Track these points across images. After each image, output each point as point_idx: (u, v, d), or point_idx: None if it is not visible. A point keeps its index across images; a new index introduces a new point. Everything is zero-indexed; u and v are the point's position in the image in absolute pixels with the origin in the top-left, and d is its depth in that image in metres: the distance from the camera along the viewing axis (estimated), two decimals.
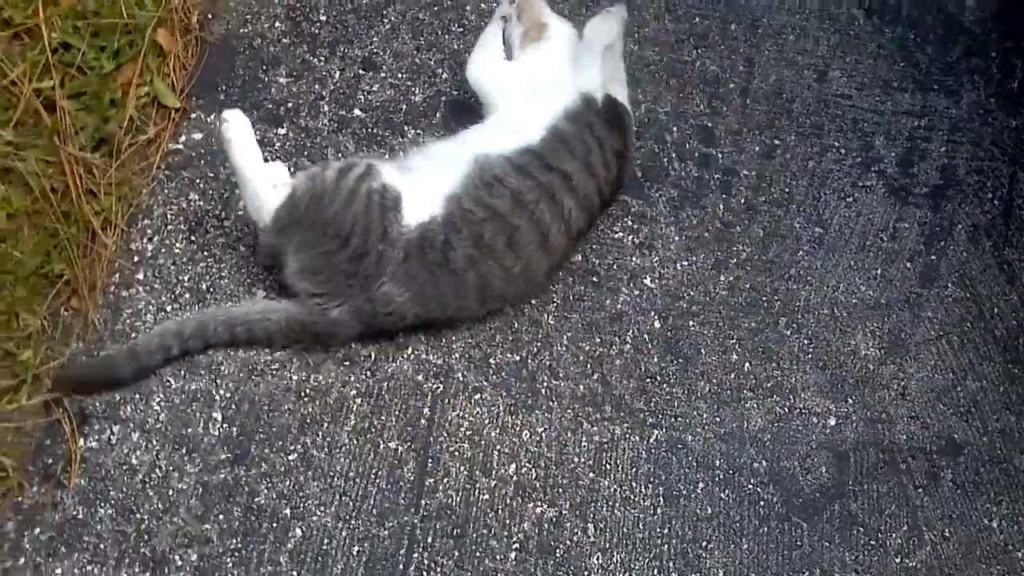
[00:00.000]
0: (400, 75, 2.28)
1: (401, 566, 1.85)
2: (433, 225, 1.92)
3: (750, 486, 2.00)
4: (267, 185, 1.93)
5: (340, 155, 2.18)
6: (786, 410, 2.07)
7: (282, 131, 2.21)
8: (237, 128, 1.95)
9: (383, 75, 2.28)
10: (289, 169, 2.06)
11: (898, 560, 1.95)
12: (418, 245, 1.91)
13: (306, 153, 2.18)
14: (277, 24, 2.31)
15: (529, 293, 2.08)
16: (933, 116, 2.41)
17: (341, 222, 1.90)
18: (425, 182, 1.95)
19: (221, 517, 1.87)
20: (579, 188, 2.00)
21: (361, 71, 2.28)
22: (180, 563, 1.83)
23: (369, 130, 2.22)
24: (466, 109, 2.23)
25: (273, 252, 1.97)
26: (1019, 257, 2.26)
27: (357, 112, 2.24)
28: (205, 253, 2.08)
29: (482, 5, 2.36)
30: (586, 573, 1.89)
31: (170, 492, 1.88)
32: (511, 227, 1.95)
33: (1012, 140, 2.39)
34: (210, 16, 2.29)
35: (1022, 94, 2.46)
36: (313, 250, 1.92)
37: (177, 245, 2.09)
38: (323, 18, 2.32)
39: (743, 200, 2.25)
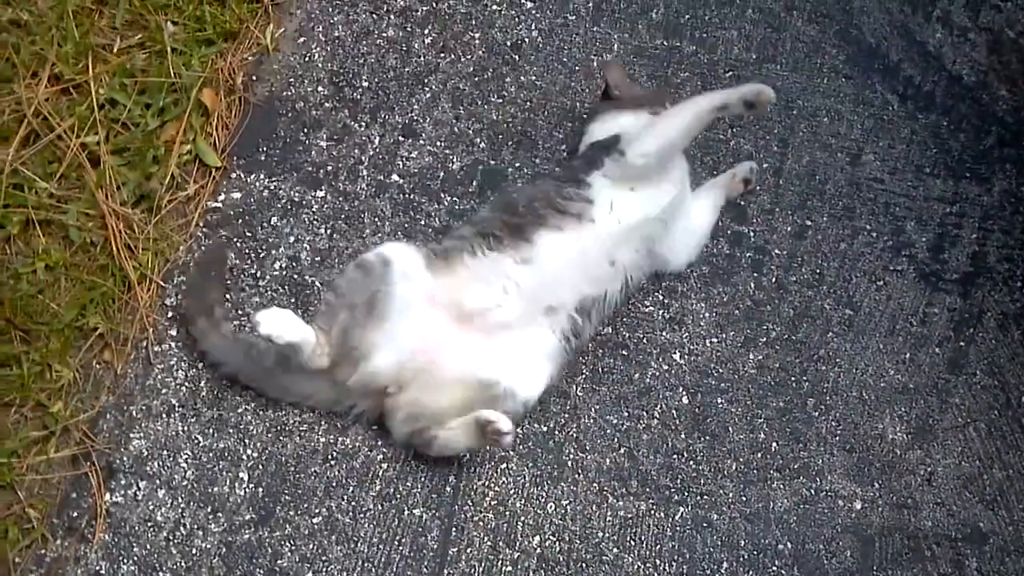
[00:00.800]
0: (439, 143, 2.31)
1: None
2: None
3: (774, 568, 1.99)
4: None
5: (377, 221, 2.20)
6: (812, 492, 2.06)
7: (320, 194, 2.23)
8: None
9: (422, 142, 2.31)
10: (328, 234, 2.09)
11: None
12: None
13: (343, 216, 2.20)
14: (320, 88, 2.35)
15: None
16: (964, 203, 2.42)
17: None
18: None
19: None
20: None
21: (400, 138, 2.31)
22: None
23: (406, 196, 2.25)
24: (501, 177, 2.26)
25: None
26: None
27: (395, 177, 2.27)
28: (239, 312, 2.10)
29: (521, 78, 2.40)
30: None
31: (193, 551, 1.88)
32: None
33: None
34: (254, 78, 2.33)
35: None
36: None
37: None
38: (365, 84, 2.36)
39: (774, 279, 2.26)
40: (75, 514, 1.89)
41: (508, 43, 2.45)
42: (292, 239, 2.18)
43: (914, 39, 2.60)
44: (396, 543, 1.93)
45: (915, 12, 2.63)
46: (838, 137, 2.46)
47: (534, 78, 2.41)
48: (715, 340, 2.19)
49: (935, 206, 2.41)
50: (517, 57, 2.43)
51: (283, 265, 2.14)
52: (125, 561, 1.86)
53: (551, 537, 1.97)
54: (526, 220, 1.98)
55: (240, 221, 2.19)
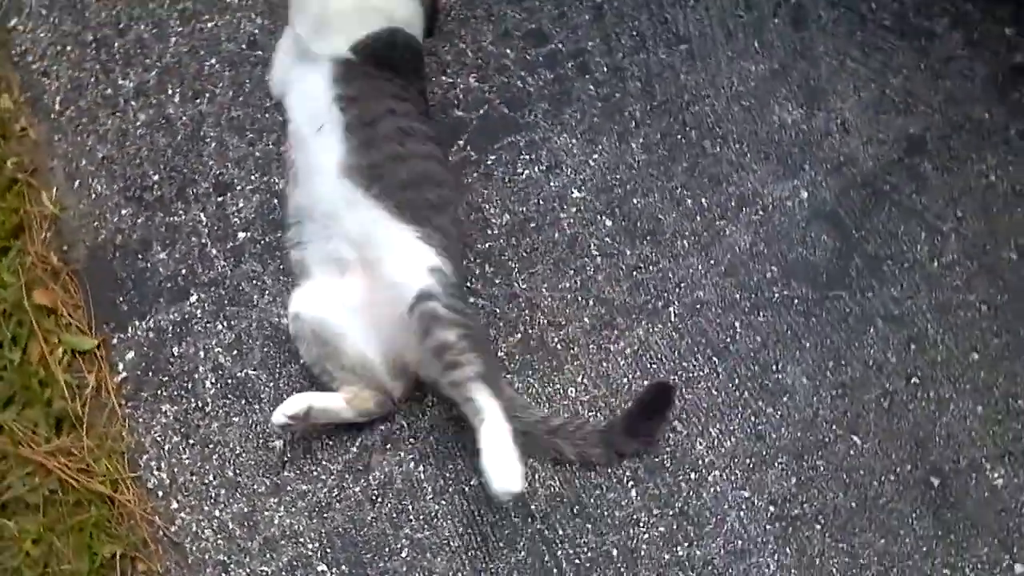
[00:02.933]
0: (253, 177, 2.26)
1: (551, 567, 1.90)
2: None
3: (776, 295, 2.03)
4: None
5: (255, 283, 2.17)
6: (761, 213, 2.10)
7: (193, 298, 2.19)
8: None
9: (240, 187, 2.26)
10: (227, 324, 2.09)
11: (934, 264, 2.00)
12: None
13: (226, 302, 2.17)
14: (123, 211, 2.28)
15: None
16: None
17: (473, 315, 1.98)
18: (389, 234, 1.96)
19: None
20: None
21: (219, 198, 2.26)
22: None
23: (263, 242, 2.21)
24: None
25: None
26: None
27: (241, 235, 2.22)
28: (210, 445, 2.09)
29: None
30: (700, 462, 1.95)
31: None
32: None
33: None
34: (65, 248, 2.27)
35: None
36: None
37: (185, 456, 2.09)
38: (155, 177, 2.29)
39: (605, 69, 2.24)
40: None
41: (244, 44, 2.37)
42: (202, 354, 2.15)
43: None
44: (478, 519, 1.96)
45: None
46: None
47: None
48: (595, 156, 2.19)
49: None
50: (262, 52, 2.35)
51: (212, 381, 2.12)
52: None
53: (590, 413, 2.01)
54: None
55: (150, 374, 2.16)
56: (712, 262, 2.07)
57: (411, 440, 2.04)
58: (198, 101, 2.34)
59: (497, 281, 2.12)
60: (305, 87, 2.03)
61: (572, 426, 1.94)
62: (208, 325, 2.16)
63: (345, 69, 1.98)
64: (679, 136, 2.17)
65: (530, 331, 2.08)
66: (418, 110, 2.05)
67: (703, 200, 2.12)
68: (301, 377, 2.07)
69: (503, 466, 1.76)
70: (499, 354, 2.06)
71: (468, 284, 2.11)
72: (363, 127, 1.96)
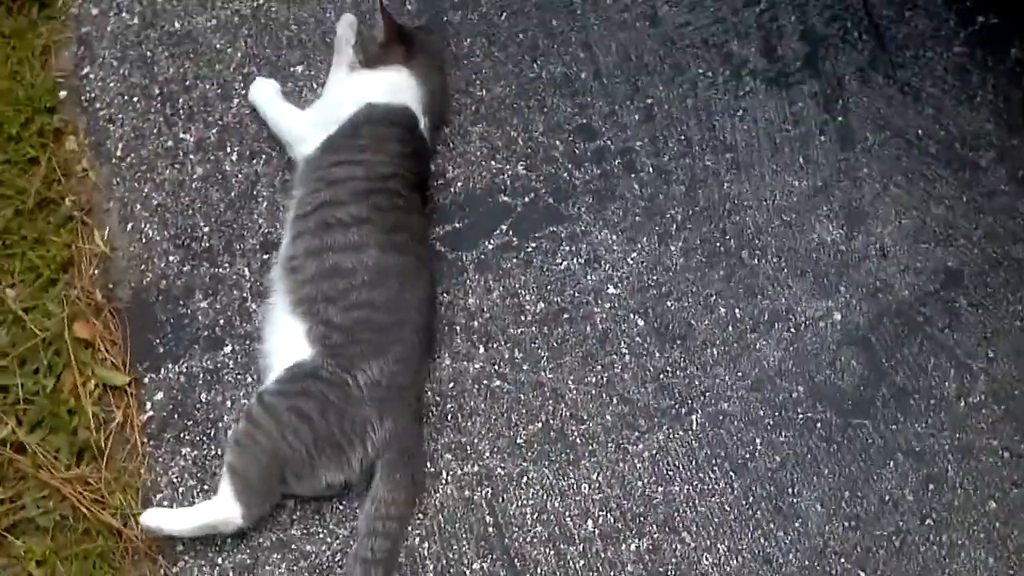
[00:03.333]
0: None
1: None
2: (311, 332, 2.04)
3: (800, 416, 2.03)
4: (214, 511, 2.01)
5: None
6: (793, 330, 2.10)
7: (227, 349, 2.24)
8: (156, 522, 2.03)
9: None
10: (255, 377, 2.15)
11: (962, 405, 1.99)
12: (324, 350, 2.02)
13: (259, 356, 2.21)
14: (171, 258, 2.35)
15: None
16: None
17: (292, 426, 1.97)
18: (280, 339, 2.08)
19: None
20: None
21: (264, 255, 2.32)
22: None
23: None
24: None
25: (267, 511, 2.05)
26: (913, 73, 2.30)
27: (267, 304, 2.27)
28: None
29: None
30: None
31: None
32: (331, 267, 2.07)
33: None
34: (111, 286, 2.33)
35: None
36: (306, 458, 1.98)
37: (197, 499, 2.12)
38: (206, 230, 2.36)
39: (651, 169, 2.29)
40: None
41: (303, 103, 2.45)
42: (228, 403, 2.19)
43: None
44: None
45: None
46: (628, 11, 2.47)
47: None
48: (634, 255, 2.22)
49: (746, 14, 2.43)
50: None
51: None
52: None
53: (600, 512, 2.01)
54: None
55: (176, 416, 2.20)
56: (739, 374, 2.08)
57: (419, 516, 2.05)
58: (254, 161, 2.42)
59: (525, 367, 2.14)
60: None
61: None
62: (238, 376, 2.21)
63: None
64: (718, 244, 2.20)
65: (551, 421, 2.10)
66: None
67: (736, 311, 2.13)
68: None
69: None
70: (517, 441, 2.07)
71: (495, 367, 2.14)
72: (298, 220, 2.14)
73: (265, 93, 2.37)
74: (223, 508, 1.99)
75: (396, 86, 2.25)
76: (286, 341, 2.07)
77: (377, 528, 1.95)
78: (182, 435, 2.19)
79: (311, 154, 2.20)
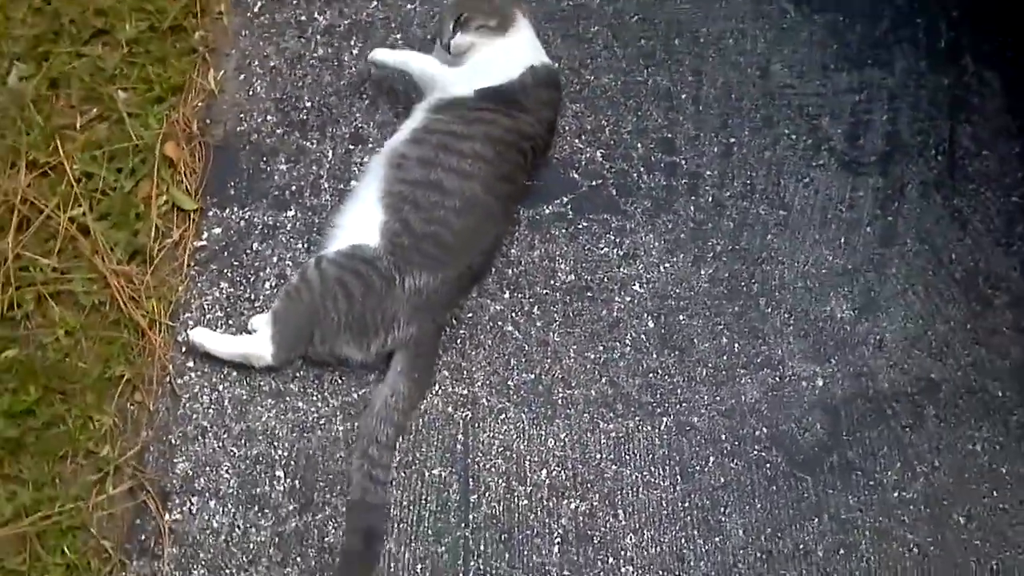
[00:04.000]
0: (385, 143, 2.53)
1: (460, 575, 2.11)
2: (385, 224, 2.24)
3: (755, 452, 2.24)
4: (251, 345, 2.26)
5: None
6: (777, 379, 2.31)
7: (291, 213, 2.46)
8: (201, 339, 2.28)
9: (371, 145, 2.53)
10: (306, 248, 2.35)
11: (895, 495, 2.19)
12: (390, 243, 2.23)
13: (315, 230, 2.43)
14: (269, 118, 2.57)
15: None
16: (871, 89, 2.63)
17: (334, 294, 2.19)
18: (357, 219, 2.28)
19: (299, 559, 2.13)
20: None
21: (351, 146, 2.54)
22: None
23: None
24: None
25: (294, 359, 2.28)
26: (968, 204, 2.48)
27: (354, 183, 2.49)
28: (243, 334, 2.34)
29: None
30: (622, 553, 2.14)
31: (251, 546, 2.15)
32: (432, 183, 2.26)
33: (946, 97, 2.61)
34: (209, 121, 2.55)
35: (950, 52, 2.67)
36: (339, 327, 2.21)
37: (218, 331, 2.34)
38: (308, 105, 2.58)
39: (710, 198, 2.49)
40: (143, 537, 2.15)
41: (428, 37, 2.66)
42: (275, 259, 2.41)
43: None
44: (423, 502, 2.19)
45: None
46: (745, 54, 2.67)
47: None
48: (667, 265, 2.43)
49: (844, 98, 2.62)
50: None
51: (272, 284, 2.38)
52: (195, 567, 2.12)
53: (556, 468, 2.22)
54: None
55: (225, 253, 2.43)
56: (718, 398, 2.29)
57: None
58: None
59: (537, 324, 2.36)
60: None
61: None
62: (291, 240, 2.43)
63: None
64: (742, 284, 2.40)
65: (543, 377, 2.31)
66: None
67: (736, 345, 2.34)
68: None
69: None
70: (508, 383, 2.29)
71: (512, 314, 2.35)
72: (421, 130, 2.35)
73: (393, 54, 2.54)
74: (259, 345, 2.24)
75: (537, 46, 2.47)
76: (360, 223, 2.28)
77: (389, 416, 2.19)
78: (225, 271, 2.41)
79: (462, 95, 2.37)
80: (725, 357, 2.33)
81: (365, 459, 2.16)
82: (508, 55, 2.40)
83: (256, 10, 2.68)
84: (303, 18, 2.67)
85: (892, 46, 2.68)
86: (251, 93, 2.60)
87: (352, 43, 2.65)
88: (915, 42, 2.68)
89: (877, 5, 2.73)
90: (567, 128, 2.56)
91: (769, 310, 2.38)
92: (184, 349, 2.32)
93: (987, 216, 2.48)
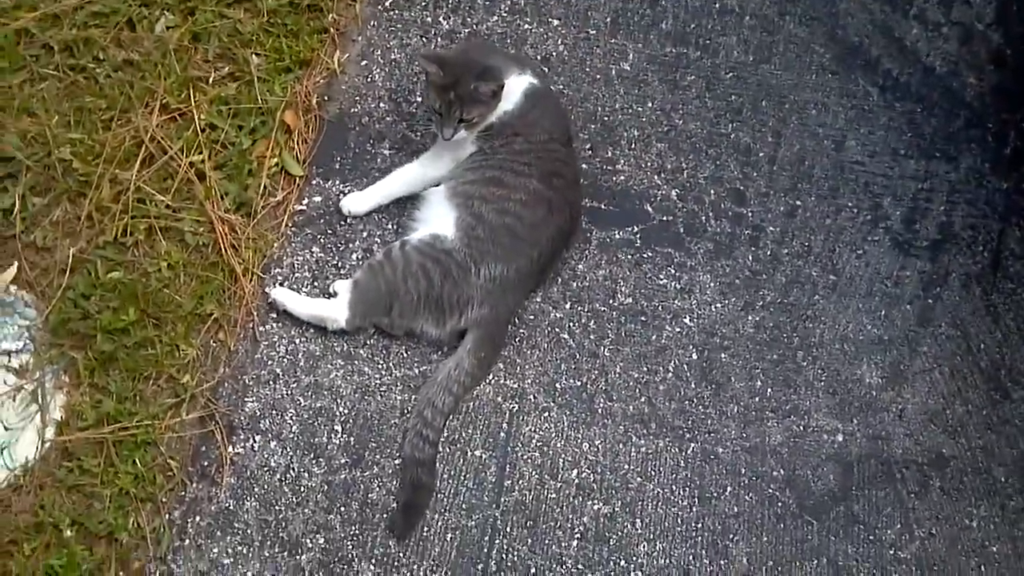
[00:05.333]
0: None
1: (485, 550, 2.32)
2: (461, 219, 2.46)
3: (770, 490, 2.43)
4: (329, 308, 2.48)
5: None
6: (801, 428, 2.50)
7: None
8: (282, 298, 2.50)
9: None
10: (395, 229, 2.56)
11: (892, 552, 2.38)
12: (465, 235, 2.44)
13: (405, 214, 2.65)
14: (381, 105, 2.79)
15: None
16: (935, 179, 2.82)
17: (415, 277, 2.41)
18: (434, 213, 2.51)
19: (343, 509, 2.34)
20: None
21: None
22: (310, 545, 2.31)
23: None
24: None
25: (365, 328, 2.51)
26: (1004, 301, 2.66)
27: None
28: (326, 296, 2.56)
29: (551, 87, 2.82)
30: (634, 558, 2.34)
31: (301, 489, 2.36)
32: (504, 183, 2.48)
33: (1003, 201, 2.80)
34: (327, 98, 2.78)
35: (1014, 160, 2.86)
36: (416, 306, 2.43)
37: (303, 289, 2.56)
38: (418, 100, 2.80)
39: (769, 252, 2.69)
40: (206, 463, 2.38)
41: (538, 56, 2.87)
42: (365, 234, 2.63)
43: (893, 35, 2.98)
44: (462, 478, 2.39)
45: (894, 11, 3.01)
46: (825, 127, 2.86)
47: (562, 87, 2.83)
48: (719, 305, 2.62)
49: (909, 183, 2.81)
50: (547, 68, 2.85)
51: (359, 256, 2.60)
52: (248, 499, 2.34)
53: (586, 470, 2.42)
54: None
55: (322, 221, 2.65)
56: (743, 435, 2.49)
57: None
58: None
59: (591, 336, 2.56)
60: None
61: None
62: (383, 219, 2.65)
63: None
64: (784, 336, 2.60)
65: (588, 385, 2.51)
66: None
67: (769, 390, 2.53)
68: None
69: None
70: (556, 385, 2.50)
71: (570, 323, 2.56)
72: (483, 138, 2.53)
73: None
74: (336, 309, 2.46)
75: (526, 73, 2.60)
76: (437, 218, 2.50)
77: (450, 386, 2.41)
78: (318, 237, 2.63)
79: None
80: (757, 399, 2.53)
81: (420, 419, 2.38)
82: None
83: (387, 4, 2.90)
84: (428, 19, 2.89)
85: (961, 144, 2.86)
86: (369, 79, 2.81)
87: None
88: (983, 144, 2.86)
89: (954, 103, 2.91)
90: (648, 164, 2.76)
91: (805, 364, 2.57)
92: (270, 300, 2.53)
93: (1020, 316, 2.66)
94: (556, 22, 2.92)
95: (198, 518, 2.32)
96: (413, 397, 2.46)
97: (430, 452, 2.37)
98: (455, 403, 2.42)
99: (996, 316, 2.65)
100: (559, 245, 2.55)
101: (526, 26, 2.92)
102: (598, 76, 2.86)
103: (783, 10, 2.98)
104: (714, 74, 2.89)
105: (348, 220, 2.63)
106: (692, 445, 2.47)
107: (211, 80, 2.74)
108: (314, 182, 2.69)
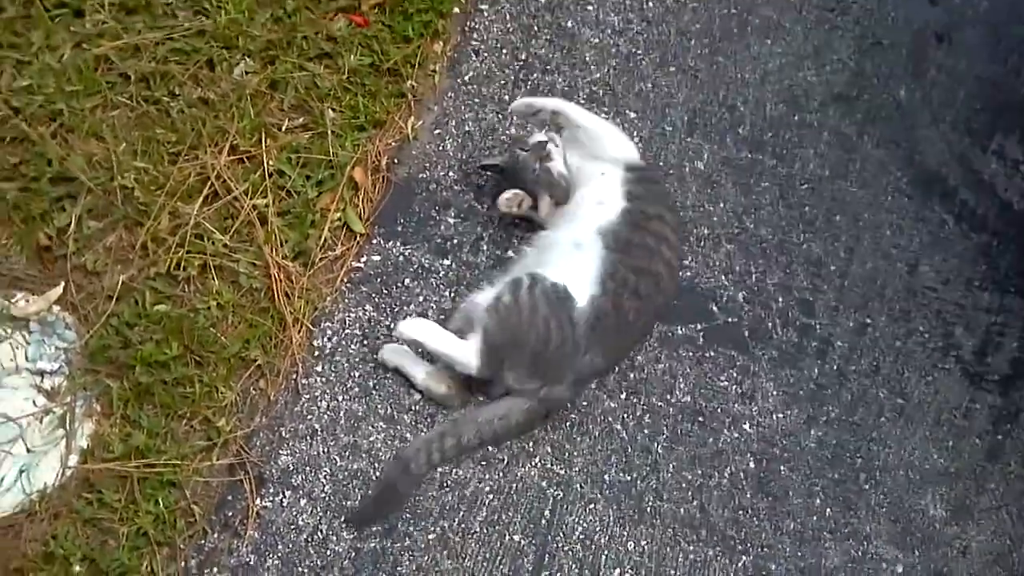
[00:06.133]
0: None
1: None
2: (598, 299, 2.31)
3: None
4: (461, 350, 2.31)
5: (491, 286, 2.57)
6: (859, 554, 2.36)
7: (447, 262, 2.60)
8: (416, 327, 2.35)
9: (535, 224, 2.68)
10: (452, 296, 2.47)
11: None
12: (595, 316, 2.29)
13: (464, 283, 2.57)
14: (450, 174, 2.74)
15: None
16: (1009, 315, 2.73)
17: (538, 329, 2.28)
18: (571, 269, 2.35)
19: None
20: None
21: (517, 220, 2.69)
22: None
23: None
24: None
25: (488, 378, 2.36)
26: None
27: (510, 254, 2.63)
28: (374, 356, 2.46)
29: None
30: None
31: (328, 553, 2.22)
32: (652, 273, 2.37)
33: None
34: (396, 161, 2.73)
35: None
36: (524, 360, 2.30)
37: (352, 347, 2.47)
38: (488, 173, 2.75)
39: (835, 367, 2.59)
40: (230, 513, 2.24)
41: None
42: (421, 299, 2.55)
43: (971, 167, 2.94)
44: (497, 562, 2.25)
45: (973, 144, 2.98)
46: (898, 248, 2.80)
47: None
48: (781, 415, 2.51)
49: (982, 315, 2.73)
50: None
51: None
52: (270, 556, 2.20)
53: (629, 570, 2.28)
54: None
55: (378, 280, 2.57)
56: (799, 554, 2.34)
57: (500, 474, 2.36)
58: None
59: (644, 431, 2.45)
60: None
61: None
62: (440, 286, 2.57)
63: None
64: (847, 456, 2.48)
65: (639, 482, 2.39)
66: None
67: (828, 510, 2.40)
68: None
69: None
70: (604, 476, 2.37)
71: (623, 415, 2.47)
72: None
73: None
74: (467, 351, 2.31)
75: None
76: (574, 272, 2.34)
77: (484, 430, 2.31)
78: (373, 296, 2.55)
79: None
80: (815, 518, 2.39)
81: (439, 440, 2.29)
82: None
83: (467, 78, 2.88)
84: (506, 97, 2.86)
85: None
86: (441, 148, 2.77)
87: (543, 131, 2.82)
88: None
89: None
90: (717, 264, 2.69)
91: (868, 487, 2.44)
92: (316, 355, 2.43)
93: None
94: (633, 115, 2.89)
95: (216, 569, 2.18)
96: (453, 471, 2.33)
97: (424, 470, 2.30)
98: (477, 446, 2.33)
99: None
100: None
101: (603, 116, 2.88)
102: (671, 171, 2.82)
103: (862, 130, 2.95)
104: (789, 183, 2.84)
105: (405, 283, 2.56)
106: (744, 558, 2.33)
107: (284, 128, 2.71)
108: (375, 241, 2.62)
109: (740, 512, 2.38)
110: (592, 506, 2.35)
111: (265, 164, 2.63)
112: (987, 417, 2.57)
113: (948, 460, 2.50)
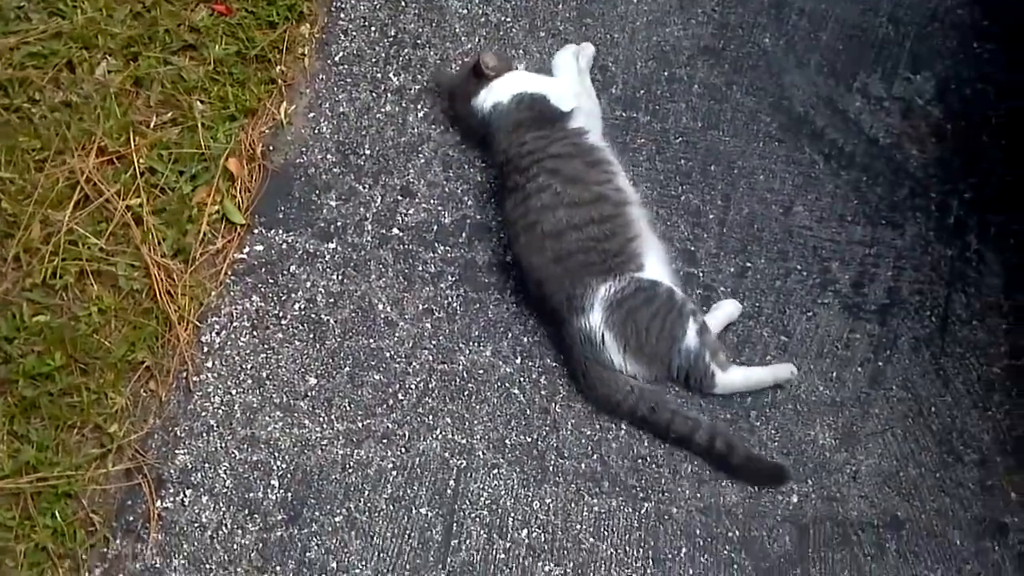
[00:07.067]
0: (432, 201, 2.70)
1: None
2: None
3: (725, 552, 2.35)
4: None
5: (380, 268, 2.58)
6: (756, 488, 2.43)
7: (332, 246, 2.60)
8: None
9: (417, 200, 2.69)
10: (340, 279, 2.48)
11: None
12: None
13: (352, 264, 2.58)
14: (328, 156, 2.73)
15: None
16: (881, 246, 2.82)
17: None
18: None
19: (278, 568, 2.21)
20: None
21: (399, 197, 2.70)
22: None
23: (405, 246, 2.62)
24: (487, 230, 2.65)
25: None
26: (953, 365, 2.65)
27: (395, 231, 2.64)
28: (265, 347, 2.46)
29: None
30: None
31: (234, 547, 2.22)
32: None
33: (948, 267, 2.81)
34: (271, 148, 2.71)
35: (957, 228, 2.88)
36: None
37: (241, 339, 2.46)
38: (367, 152, 2.75)
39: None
40: (131, 518, 2.23)
41: None
42: (308, 284, 2.54)
43: (837, 108, 3.03)
44: (406, 537, 2.28)
45: (838, 84, 3.06)
46: (773, 192, 2.87)
47: None
48: None
49: (856, 249, 2.81)
50: None
51: (301, 307, 2.51)
52: (176, 556, 2.19)
53: (537, 529, 2.32)
54: None
55: (263, 270, 2.56)
56: (698, 495, 2.41)
57: (402, 450, 2.38)
58: (433, 126, 2.81)
59: (543, 392, 2.49)
60: None
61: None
62: (327, 270, 2.57)
63: None
64: (737, 396, 2.55)
65: (539, 442, 2.43)
66: None
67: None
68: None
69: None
70: (505, 441, 2.40)
71: (521, 378, 2.50)
72: None
73: None
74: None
75: None
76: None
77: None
78: (259, 286, 2.54)
79: None
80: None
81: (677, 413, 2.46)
82: None
83: (337, 59, 2.87)
84: (378, 75, 2.86)
85: (906, 212, 2.89)
86: (316, 131, 2.76)
87: (418, 107, 2.84)
88: (927, 213, 2.89)
89: (899, 174, 2.95)
90: None
91: (758, 424, 2.52)
92: (205, 350, 2.41)
93: (969, 380, 2.65)
94: None
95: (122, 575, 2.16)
96: (355, 452, 2.35)
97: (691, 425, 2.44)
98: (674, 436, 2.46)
99: (946, 380, 2.63)
100: None
101: None
102: None
103: (730, 80, 3.01)
104: (663, 138, 2.89)
105: (291, 270, 2.55)
106: (646, 504, 2.39)
107: (152, 125, 2.67)
108: (256, 231, 2.61)
109: (639, 460, 2.43)
110: (496, 471, 2.38)
111: (136, 163, 2.60)
112: (867, 346, 2.67)
113: (833, 391, 2.59)
